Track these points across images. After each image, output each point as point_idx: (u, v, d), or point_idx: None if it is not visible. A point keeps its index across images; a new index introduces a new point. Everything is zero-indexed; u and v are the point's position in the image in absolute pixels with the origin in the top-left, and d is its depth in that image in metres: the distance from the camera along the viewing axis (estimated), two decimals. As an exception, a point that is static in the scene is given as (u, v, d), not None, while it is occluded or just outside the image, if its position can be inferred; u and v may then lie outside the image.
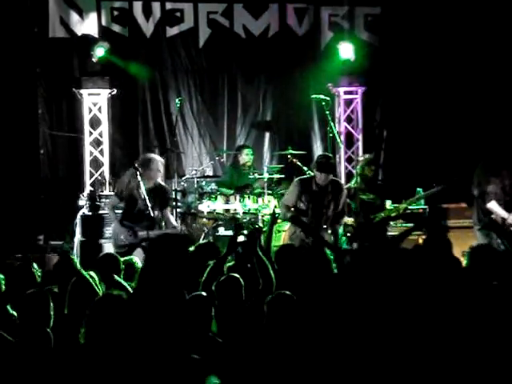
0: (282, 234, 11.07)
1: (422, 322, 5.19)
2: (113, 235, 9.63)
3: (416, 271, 5.74)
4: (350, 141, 13.33)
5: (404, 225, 10.95)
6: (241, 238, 6.78)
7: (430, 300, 5.41)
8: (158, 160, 9.75)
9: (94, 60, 12.23)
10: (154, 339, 4.89)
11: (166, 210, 9.65)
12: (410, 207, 10.72)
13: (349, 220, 9.84)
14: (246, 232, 6.83)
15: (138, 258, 7.64)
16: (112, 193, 11.85)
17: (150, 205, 9.94)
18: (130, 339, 4.79)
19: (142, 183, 10.76)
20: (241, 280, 6.03)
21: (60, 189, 12.34)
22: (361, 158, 10.55)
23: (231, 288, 5.95)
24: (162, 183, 9.90)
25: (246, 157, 12.14)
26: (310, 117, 13.31)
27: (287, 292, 5.28)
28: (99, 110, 12.44)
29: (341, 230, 9.80)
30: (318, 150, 13.32)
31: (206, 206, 11.44)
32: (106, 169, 12.44)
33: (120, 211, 9.73)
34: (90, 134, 12.45)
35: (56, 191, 12.32)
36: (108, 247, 10.71)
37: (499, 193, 8.97)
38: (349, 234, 9.80)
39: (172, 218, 9.79)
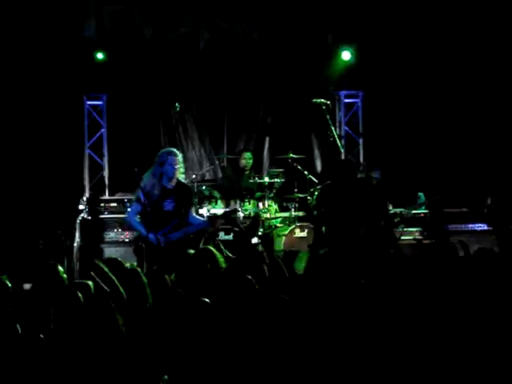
0: (283, 239, 11.04)
1: (423, 326, 5.17)
2: None
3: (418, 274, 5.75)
4: (350, 145, 13.29)
5: (406, 229, 10.96)
6: (254, 240, 6.77)
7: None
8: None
9: (93, 64, 12.18)
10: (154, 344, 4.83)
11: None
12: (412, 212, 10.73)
13: None
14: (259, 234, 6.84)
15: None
16: (111, 197, 11.85)
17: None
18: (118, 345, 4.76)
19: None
20: (254, 281, 6.00)
21: (60, 193, 12.29)
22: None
23: (244, 290, 5.92)
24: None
25: (243, 161, 12.13)
26: (310, 121, 13.27)
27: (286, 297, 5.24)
28: (99, 114, 12.40)
29: None
30: (318, 154, 13.30)
31: (206, 210, 11.42)
32: (105, 173, 12.40)
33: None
34: (90, 138, 12.40)
35: (56, 195, 12.27)
36: (108, 252, 10.68)
37: None
38: None
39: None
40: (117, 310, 5.12)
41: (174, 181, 8.95)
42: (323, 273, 6.09)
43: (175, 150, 9.35)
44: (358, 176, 9.61)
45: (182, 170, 9.10)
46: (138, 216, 9.01)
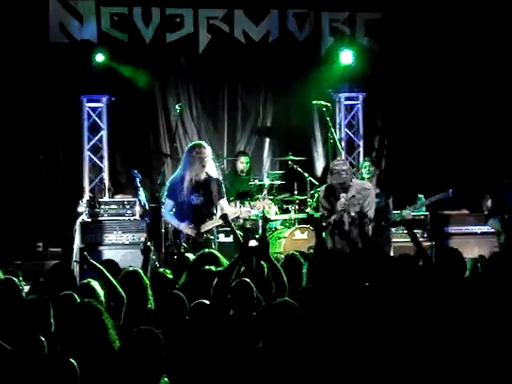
0: (282, 241, 11.02)
1: (424, 332, 5.15)
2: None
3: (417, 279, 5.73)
4: (350, 147, 13.27)
5: (406, 231, 10.92)
6: (252, 243, 6.72)
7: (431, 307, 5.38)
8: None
9: (93, 66, 12.17)
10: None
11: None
12: (412, 213, 10.69)
13: None
14: (257, 236, 6.77)
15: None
16: (110, 199, 11.84)
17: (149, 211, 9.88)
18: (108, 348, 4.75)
19: (141, 189, 10.73)
20: (252, 284, 5.97)
21: (59, 195, 12.27)
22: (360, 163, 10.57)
23: (243, 293, 5.89)
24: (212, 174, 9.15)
25: (241, 165, 12.12)
26: (310, 123, 13.26)
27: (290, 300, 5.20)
28: (98, 116, 12.38)
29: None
30: (318, 156, 13.30)
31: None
32: (105, 175, 12.38)
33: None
34: (90, 140, 12.38)
35: (55, 197, 12.26)
36: (108, 254, 10.66)
37: None
38: None
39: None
40: (112, 313, 5.09)
41: (203, 174, 8.87)
42: (326, 275, 6.06)
43: (203, 142, 9.29)
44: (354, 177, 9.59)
45: (211, 162, 9.04)
46: (173, 211, 9.03)
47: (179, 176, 8.99)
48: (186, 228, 8.77)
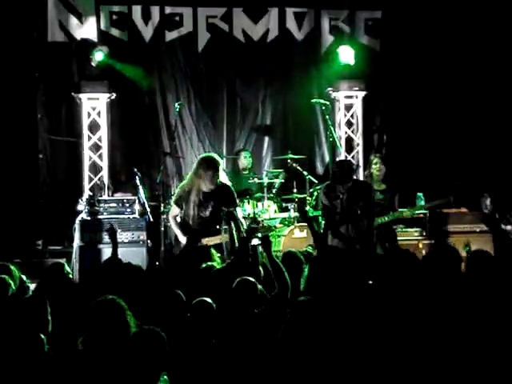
0: (282, 239, 11.03)
1: (424, 328, 5.15)
2: None
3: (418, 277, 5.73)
4: (349, 145, 13.27)
5: (405, 229, 10.95)
6: (254, 242, 6.71)
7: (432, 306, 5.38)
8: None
9: (93, 64, 12.18)
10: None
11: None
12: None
13: None
14: (259, 235, 6.76)
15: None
16: (110, 197, 11.83)
17: (148, 209, 9.85)
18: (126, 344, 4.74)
19: (140, 188, 10.73)
20: (256, 283, 5.97)
21: (59, 193, 12.28)
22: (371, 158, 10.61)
23: (246, 291, 5.88)
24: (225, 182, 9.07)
25: (244, 160, 12.13)
26: (309, 121, 13.25)
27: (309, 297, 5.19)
28: (98, 114, 12.38)
29: None
30: (317, 154, 13.30)
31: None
32: (104, 173, 12.38)
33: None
34: (89, 138, 12.38)
35: (55, 196, 12.27)
36: (107, 252, 10.65)
37: None
38: None
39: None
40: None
41: (213, 185, 8.76)
42: (327, 274, 6.05)
43: (215, 155, 9.16)
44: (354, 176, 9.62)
45: (223, 174, 8.93)
46: (178, 218, 8.93)
47: (188, 186, 8.90)
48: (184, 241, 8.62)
